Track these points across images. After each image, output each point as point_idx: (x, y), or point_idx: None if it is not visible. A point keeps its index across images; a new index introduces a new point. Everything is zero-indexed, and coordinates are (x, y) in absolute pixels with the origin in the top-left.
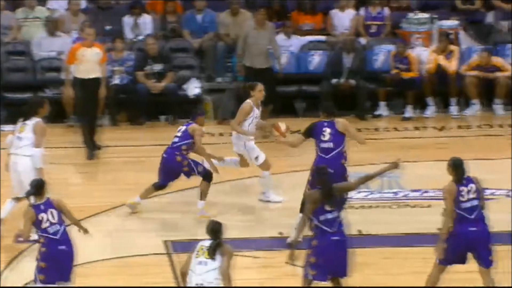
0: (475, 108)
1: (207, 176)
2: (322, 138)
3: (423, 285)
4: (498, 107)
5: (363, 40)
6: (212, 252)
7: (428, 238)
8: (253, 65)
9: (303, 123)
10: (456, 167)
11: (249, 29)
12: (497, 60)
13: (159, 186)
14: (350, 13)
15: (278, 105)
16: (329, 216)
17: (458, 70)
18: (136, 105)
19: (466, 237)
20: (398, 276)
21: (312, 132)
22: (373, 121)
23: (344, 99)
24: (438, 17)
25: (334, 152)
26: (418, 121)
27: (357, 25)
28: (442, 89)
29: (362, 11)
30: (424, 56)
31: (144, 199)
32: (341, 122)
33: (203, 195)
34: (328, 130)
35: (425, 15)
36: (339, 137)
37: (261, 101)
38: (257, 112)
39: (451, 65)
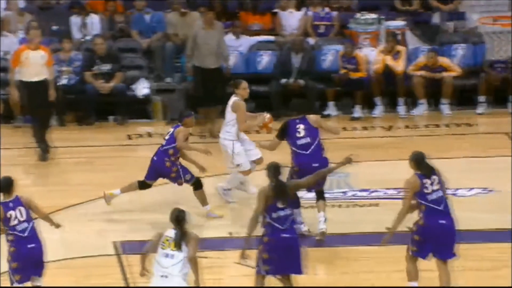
0: (423, 108)
1: (196, 184)
2: (298, 135)
3: (389, 284)
4: (445, 107)
5: (311, 40)
6: (178, 244)
7: (377, 238)
8: (203, 65)
9: None
10: (419, 160)
11: (198, 29)
12: (443, 60)
13: (143, 184)
14: (298, 13)
15: None
16: (281, 213)
17: (406, 70)
18: (84, 105)
19: (436, 229)
20: (351, 274)
21: (286, 132)
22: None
23: (293, 99)
24: (385, 17)
25: (313, 146)
26: (366, 121)
27: (305, 25)
28: (390, 89)
29: (310, 12)
30: (372, 56)
31: (124, 193)
32: (312, 118)
33: (203, 202)
34: (302, 126)
35: (373, 16)
36: (314, 130)
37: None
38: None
39: (399, 65)
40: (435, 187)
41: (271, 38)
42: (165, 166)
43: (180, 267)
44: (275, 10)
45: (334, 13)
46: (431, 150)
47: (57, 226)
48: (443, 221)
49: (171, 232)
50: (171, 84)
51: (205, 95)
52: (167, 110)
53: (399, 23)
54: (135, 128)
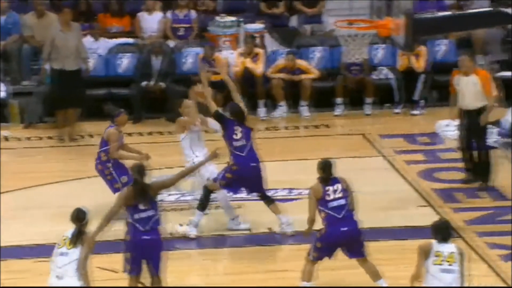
0: (282, 110)
1: None
2: (235, 137)
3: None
4: (304, 109)
5: (171, 43)
6: (73, 241)
7: (240, 240)
8: (64, 67)
9: None
10: (324, 167)
11: (56, 31)
12: (301, 63)
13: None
14: (158, 15)
15: (87, 108)
16: (143, 215)
17: (265, 73)
18: None
19: (337, 237)
20: (231, 275)
21: (223, 126)
22: None
23: (154, 101)
24: (244, 20)
25: (248, 148)
26: None
27: (165, 27)
28: (250, 92)
29: (169, 14)
30: (232, 59)
31: None
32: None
33: None
34: (239, 129)
35: (232, 19)
36: (248, 132)
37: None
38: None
39: (258, 68)
40: (338, 194)
41: (131, 40)
42: (98, 170)
43: (75, 266)
44: (140, 13)
45: (193, 16)
46: (291, 152)
47: None
48: (344, 228)
49: (69, 232)
50: (28, 87)
51: (64, 97)
52: (25, 114)
53: (257, 26)
54: None
